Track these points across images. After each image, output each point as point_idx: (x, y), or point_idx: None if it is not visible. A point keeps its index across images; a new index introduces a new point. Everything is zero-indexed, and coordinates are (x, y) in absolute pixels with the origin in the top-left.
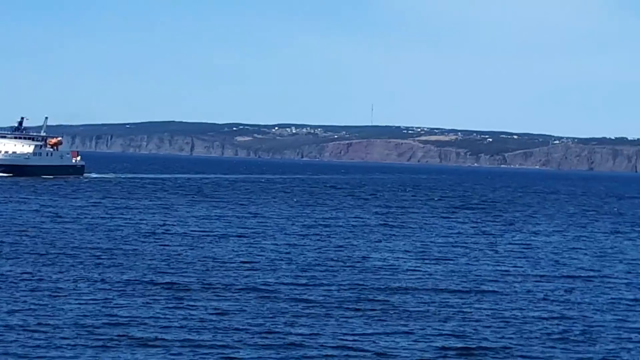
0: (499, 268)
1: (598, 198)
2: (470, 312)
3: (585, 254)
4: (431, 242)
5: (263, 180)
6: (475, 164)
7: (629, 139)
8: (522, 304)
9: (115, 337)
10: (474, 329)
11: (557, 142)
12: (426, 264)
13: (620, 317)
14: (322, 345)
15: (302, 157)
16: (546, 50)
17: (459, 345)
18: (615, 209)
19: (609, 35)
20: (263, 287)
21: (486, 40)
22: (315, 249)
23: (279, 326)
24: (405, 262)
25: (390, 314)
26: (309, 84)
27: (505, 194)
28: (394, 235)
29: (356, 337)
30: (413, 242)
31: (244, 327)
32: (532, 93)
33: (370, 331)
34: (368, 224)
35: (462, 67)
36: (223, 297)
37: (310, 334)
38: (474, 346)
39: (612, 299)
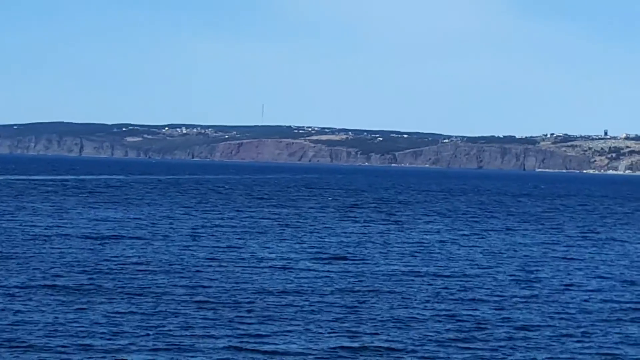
0: (393, 267)
1: (489, 196)
2: (365, 312)
3: (478, 252)
4: (326, 241)
5: (155, 180)
6: (366, 163)
7: (517, 137)
8: (417, 303)
9: (1, 343)
10: (369, 329)
11: (446, 141)
12: (320, 263)
13: (510, 315)
14: (215, 348)
15: (193, 157)
16: (435, 50)
17: (354, 344)
18: (508, 207)
19: (497, 36)
20: (156, 289)
21: (375, 40)
22: (209, 250)
23: (172, 329)
24: (299, 262)
25: (285, 314)
26: (199, 84)
27: (397, 193)
28: (288, 235)
29: (250, 338)
30: (308, 242)
31: (134, 330)
32: (422, 92)
33: (264, 332)
34: (262, 224)
35: (351, 67)
36: (115, 300)
37: (204, 336)
38: (368, 345)
39: (504, 296)
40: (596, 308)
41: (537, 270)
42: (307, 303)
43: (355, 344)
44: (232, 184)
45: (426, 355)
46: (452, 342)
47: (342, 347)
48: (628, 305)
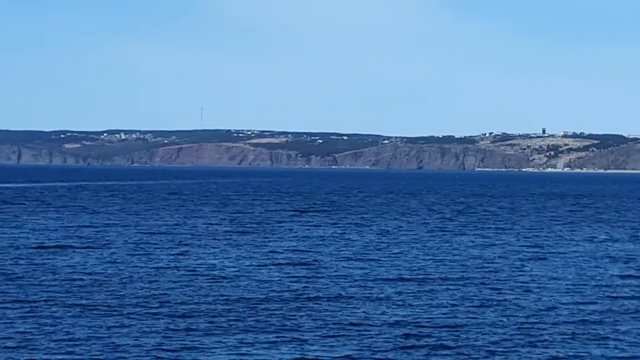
0: (344, 272)
1: (437, 196)
2: (314, 320)
3: (427, 256)
4: (278, 247)
5: (96, 186)
6: (307, 166)
7: (456, 137)
8: (367, 309)
9: None
10: (316, 338)
11: (386, 141)
12: (272, 270)
13: (467, 319)
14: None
15: (133, 163)
16: (372, 50)
17: (296, 356)
18: (455, 207)
19: (435, 36)
20: (88, 301)
21: (313, 41)
22: (157, 258)
23: (107, 338)
24: (251, 268)
25: (231, 324)
26: (137, 89)
27: (344, 195)
28: (241, 241)
29: (190, 351)
30: (260, 248)
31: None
32: (361, 94)
33: (210, 342)
34: (217, 229)
35: (290, 69)
36: (40, 313)
37: (153, 348)
38: (313, 357)
39: (455, 298)
40: (549, 306)
41: (498, 271)
42: (254, 311)
43: (297, 354)
44: (179, 189)
45: None
46: (406, 349)
47: (284, 358)
48: (590, 302)
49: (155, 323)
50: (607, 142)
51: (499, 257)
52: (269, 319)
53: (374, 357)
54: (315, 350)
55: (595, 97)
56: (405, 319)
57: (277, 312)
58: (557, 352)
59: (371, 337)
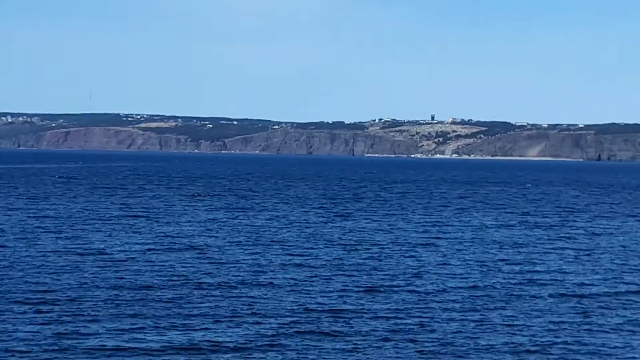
0: (234, 258)
1: (328, 182)
2: (204, 305)
3: (318, 241)
4: (168, 231)
5: None
6: (196, 150)
7: (346, 122)
8: (257, 295)
9: None
10: (206, 323)
11: (276, 127)
12: (162, 255)
13: (354, 303)
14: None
15: (19, 146)
16: (262, 35)
17: (185, 341)
18: (346, 193)
19: (325, 22)
20: None
21: (204, 25)
22: (44, 243)
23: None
24: (143, 254)
25: (120, 309)
26: (24, 71)
27: (234, 180)
28: (131, 226)
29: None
30: (150, 233)
31: None
32: (251, 79)
33: (98, 328)
34: (103, 214)
35: (180, 53)
36: None
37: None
38: (203, 343)
39: (346, 284)
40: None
41: (388, 257)
42: (155, 296)
43: (192, 340)
44: (67, 173)
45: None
46: (296, 335)
47: (174, 344)
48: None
49: (42, 309)
50: (494, 129)
51: (391, 242)
52: (158, 304)
53: (264, 342)
54: (204, 335)
55: (484, 85)
56: (295, 305)
57: (166, 298)
58: (447, 336)
59: (261, 323)
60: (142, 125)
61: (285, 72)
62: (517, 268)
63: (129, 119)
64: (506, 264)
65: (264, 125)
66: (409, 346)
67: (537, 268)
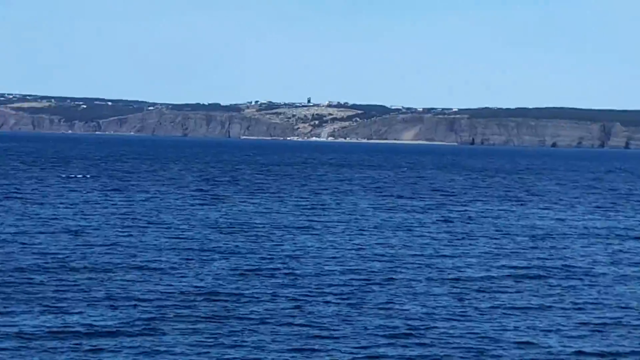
0: (110, 241)
1: (204, 164)
2: (78, 289)
3: (195, 224)
4: (43, 213)
5: None
6: (70, 131)
7: (222, 104)
8: (132, 278)
9: None
10: (80, 308)
11: (151, 108)
12: (35, 238)
13: (232, 286)
14: None
15: None
16: (137, 14)
17: (59, 326)
18: (223, 176)
19: (199, 1)
20: None
21: (75, 3)
22: None
23: None
24: (15, 237)
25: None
26: None
27: (110, 161)
28: (3, 208)
29: None
30: (24, 215)
31: None
32: (126, 59)
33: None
34: None
35: (54, 31)
36: None
37: None
38: (77, 327)
39: (222, 267)
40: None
41: (267, 240)
42: (14, 280)
43: (66, 324)
44: None
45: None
46: (171, 320)
47: (47, 328)
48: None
49: None
50: (370, 113)
51: (267, 225)
52: (31, 287)
53: (140, 326)
54: (79, 320)
55: (360, 68)
56: (171, 288)
57: (39, 281)
58: (323, 319)
59: (136, 307)
60: (15, 105)
61: (160, 53)
62: (393, 251)
63: (1, 98)
64: (382, 247)
65: (139, 107)
66: (285, 329)
67: (413, 251)
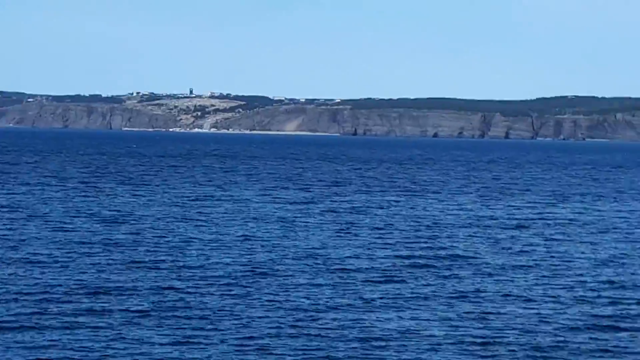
0: (1, 234)
1: (84, 157)
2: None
3: (78, 217)
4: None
5: None
6: None
7: (103, 96)
8: (27, 273)
9: None
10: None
11: (31, 100)
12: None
13: (115, 279)
14: None
15: None
16: (16, 3)
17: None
18: (96, 169)
19: None
20: None
21: None
22: None
23: None
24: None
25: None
26: None
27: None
28: None
29: None
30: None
31: None
32: (3, 49)
33: None
34: None
35: None
36: None
37: None
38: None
39: (101, 263)
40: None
41: (151, 230)
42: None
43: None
44: None
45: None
46: (87, 313)
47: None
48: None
49: None
50: (253, 104)
51: (152, 217)
52: None
53: (22, 323)
54: None
55: (242, 59)
56: (54, 283)
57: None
58: (207, 312)
59: (17, 302)
60: None
61: (40, 43)
62: (278, 242)
63: None
64: (268, 238)
65: (19, 98)
66: (169, 322)
67: (298, 242)
